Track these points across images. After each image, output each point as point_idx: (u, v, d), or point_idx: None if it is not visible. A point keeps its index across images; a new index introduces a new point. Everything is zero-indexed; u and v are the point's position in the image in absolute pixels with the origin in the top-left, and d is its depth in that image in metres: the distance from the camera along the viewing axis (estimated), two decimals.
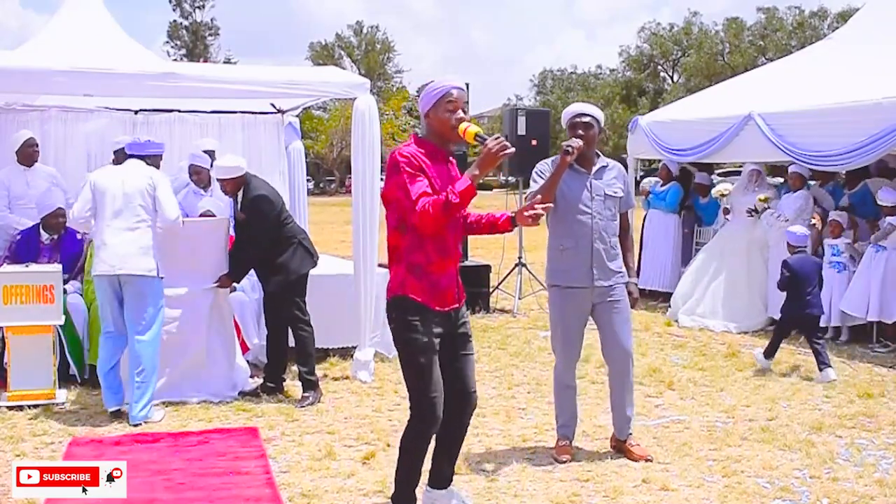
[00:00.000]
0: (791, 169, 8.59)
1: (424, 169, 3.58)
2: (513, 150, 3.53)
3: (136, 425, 5.33)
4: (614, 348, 4.82)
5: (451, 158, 3.81)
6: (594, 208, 4.67)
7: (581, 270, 4.65)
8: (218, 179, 6.16)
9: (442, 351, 3.72)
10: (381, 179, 5.08)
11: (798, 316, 6.83)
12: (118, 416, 5.49)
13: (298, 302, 6.06)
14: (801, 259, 6.93)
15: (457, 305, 3.76)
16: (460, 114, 3.65)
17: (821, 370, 6.57)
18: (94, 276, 5.51)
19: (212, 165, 7.82)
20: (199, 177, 7.27)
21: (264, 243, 5.95)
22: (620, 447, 4.88)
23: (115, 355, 5.59)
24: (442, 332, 3.69)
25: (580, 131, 4.64)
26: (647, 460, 4.72)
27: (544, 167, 4.76)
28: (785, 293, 6.92)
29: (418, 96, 4.02)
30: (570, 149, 4.52)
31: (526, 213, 3.69)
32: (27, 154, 7.21)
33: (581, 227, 4.64)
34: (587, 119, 4.68)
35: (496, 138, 3.54)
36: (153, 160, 5.75)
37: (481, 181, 3.61)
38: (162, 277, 5.55)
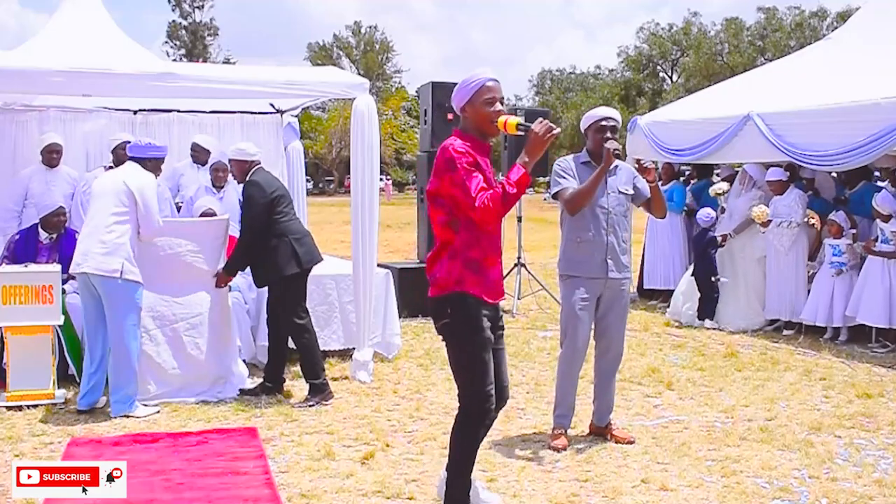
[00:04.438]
0: (766, 178, 8.63)
1: (479, 163, 3.59)
2: (559, 130, 3.66)
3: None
4: (611, 343, 5.04)
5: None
6: (609, 203, 4.88)
7: (596, 262, 4.86)
8: (229, 160, 6.21)
9: None
10: (386, 178, 5.07)
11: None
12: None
13: (293, 306, 5.89)
14: (699, 236, 9.00)
15: (502, 298, 3.83)
16: (498, 106, 3.67)
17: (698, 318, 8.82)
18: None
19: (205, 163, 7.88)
20: (217, 175, 7.54)
21: (248, 234, 5.82)
22: (601, 432, 5.08)
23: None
24: (491, 325, 3.73)
25: (609, 134, 4.87)
26: (629, 443, 4.94)
27: (566, 164, 4.97)
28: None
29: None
30: (617, 151, 4.77)
31: None
32: (47, 158, 7.48)
33: (596, 221, 4.86)
34: (613, 123, 4.94)
35: (540, 122, 3.61)
36: (153, 163, 5.74)
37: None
38: (132, 280, 5.43)
